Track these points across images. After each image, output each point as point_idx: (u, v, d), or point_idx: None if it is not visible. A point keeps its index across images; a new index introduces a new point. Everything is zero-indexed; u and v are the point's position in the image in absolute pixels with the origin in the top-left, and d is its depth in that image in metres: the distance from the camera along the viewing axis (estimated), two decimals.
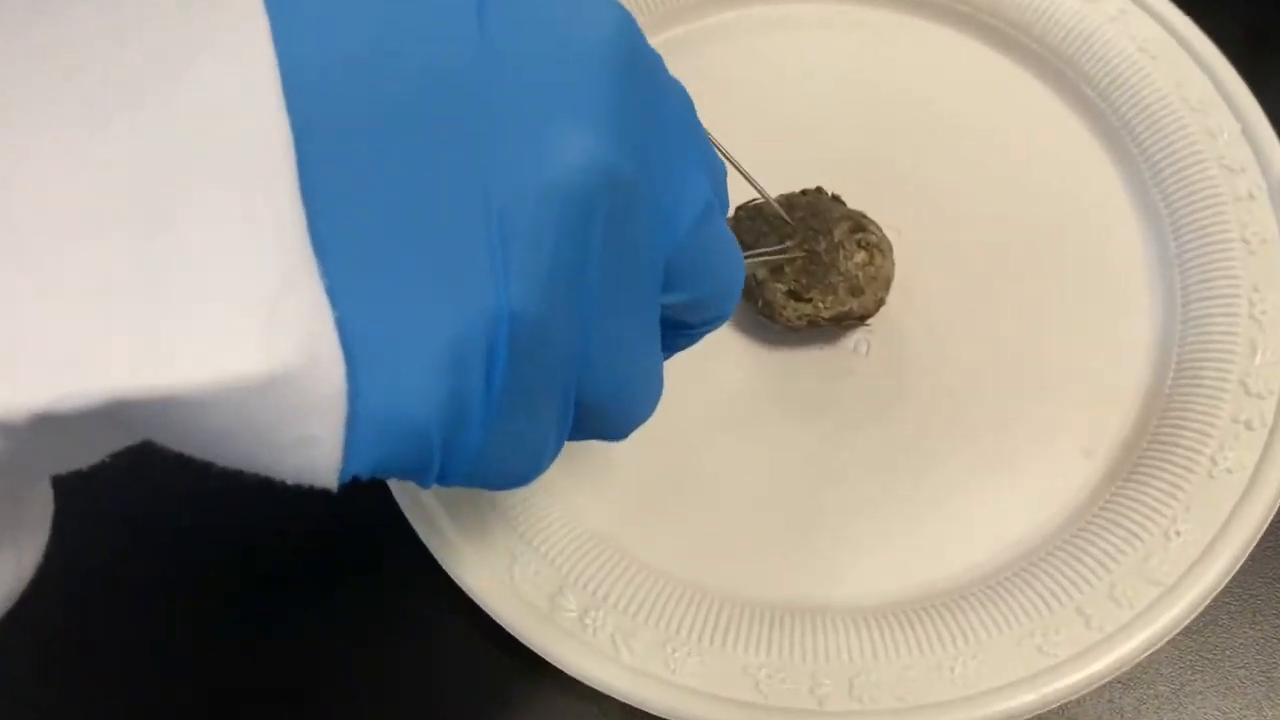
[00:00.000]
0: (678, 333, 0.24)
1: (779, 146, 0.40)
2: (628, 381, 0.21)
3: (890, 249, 0.37)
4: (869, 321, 0.38)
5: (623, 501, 0.35)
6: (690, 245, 0.21)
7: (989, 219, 0.40)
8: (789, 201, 0.38)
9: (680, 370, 0.26)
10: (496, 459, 0.18)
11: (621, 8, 0.20)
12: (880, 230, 0.37)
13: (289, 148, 0.15)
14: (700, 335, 0.24)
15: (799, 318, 0.37)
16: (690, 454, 0.36)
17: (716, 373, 0.37)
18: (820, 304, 0.37)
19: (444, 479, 0.18)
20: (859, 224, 0.37)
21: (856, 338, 0.38)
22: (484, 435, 0.18)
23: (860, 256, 0.37)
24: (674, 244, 0.21)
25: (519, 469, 0.20)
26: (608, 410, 0.21)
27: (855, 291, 0.37)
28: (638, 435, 0.22)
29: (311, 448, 0.15)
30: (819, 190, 0.38)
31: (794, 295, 0.37)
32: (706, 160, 0.22)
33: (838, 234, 0.37)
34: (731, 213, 0.38)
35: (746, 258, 0.34)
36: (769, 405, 0.37)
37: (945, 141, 0.41)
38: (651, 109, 0.20)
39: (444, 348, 0.16)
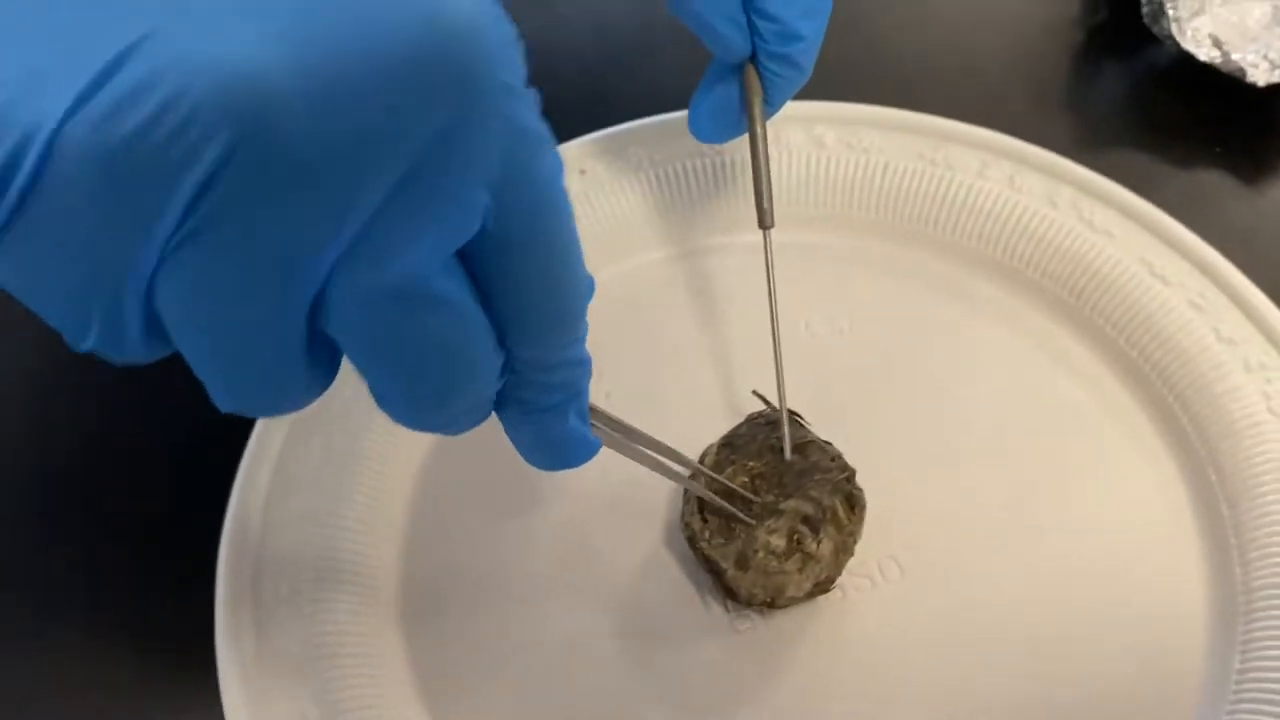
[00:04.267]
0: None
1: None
2: (201, 337, 0.18)
3: (815, 570, 0.32)
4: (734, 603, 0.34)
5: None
6: (347, 314, 0.18)
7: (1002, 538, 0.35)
8: (801, 442, 0.34)
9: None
10: (21, 267, 0.17)
11: None
12: (834, 542, 0.32)
13: None
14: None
15: (685, 528, 0.34)
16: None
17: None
18: (709, 540, 0.33)
19: None
20: (813, 521, 0.32)
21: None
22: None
23: (777, 545, 0.32)
24: (337, 289, 0.18)
25: (53, 302, 0.18)
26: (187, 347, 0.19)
27: (741, 564, 0.32)
28: None
29: None
30: (823, 447, 0.34)
31: (700, 510, 0.33)
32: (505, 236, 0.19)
33: (787, 505, 0.32)
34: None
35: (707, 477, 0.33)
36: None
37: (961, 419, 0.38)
38: (425, 111, 0.17)
39: None
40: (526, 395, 0.23)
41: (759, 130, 0.36)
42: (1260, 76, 0.44)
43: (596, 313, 0.38)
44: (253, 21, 0.16)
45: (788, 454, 0.34)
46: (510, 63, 0.18)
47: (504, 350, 0.21)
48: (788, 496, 0.33)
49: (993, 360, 0.40)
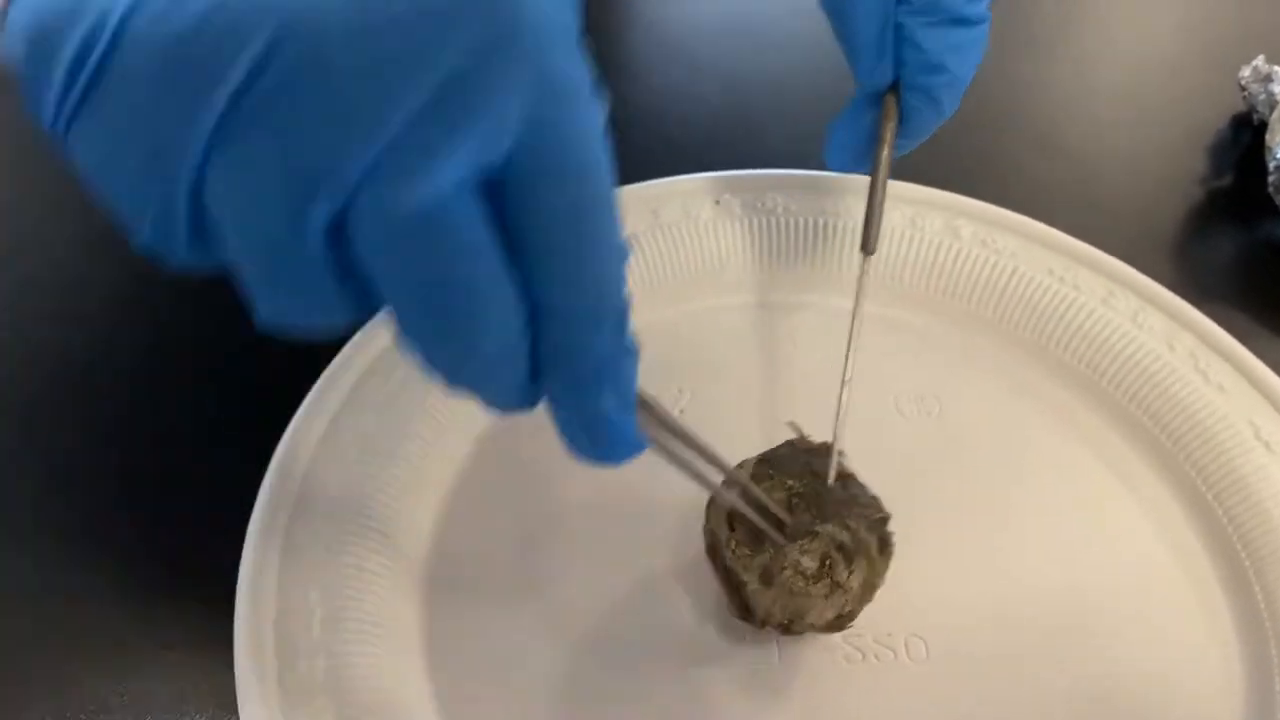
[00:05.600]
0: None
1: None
2: (243, 241, 0.19)
3: (840, 601, 0.31)
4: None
5: None
6: (367, 234, 0.18)
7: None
8: (845, 474, 0.34)
9: None
10: (92, 148, 0.19)
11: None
12: (863, 577, 0.31)
13: None
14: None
15: (707, 534, 0.33)
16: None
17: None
18: (734, 549, 0.32)
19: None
20: (848, 550, 0.31)
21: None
22: (69, 117, 0.18)
23: (808, 565, 0.31)
24: (357, 207, 0.18)
25: (117, 186, 0.19)
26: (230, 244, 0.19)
27: (766, 579, 0.31)
28: None
29: None
30: (862, 485, 0.34)
31: (730, 519, 0.32)
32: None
33: (824, 529, 0.31)
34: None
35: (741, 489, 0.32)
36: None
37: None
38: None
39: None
40: (558, 361, 0.22)
41: (885, 154, 0.36)
42: None
43: (680, 341, 0.41)
44: None
45: (832, 478, 0.33)
46: (547, 14, 0.18)
47: (527, 304, 0.21)
48: (825, 520, 0.32)
49: (1074, 482, 0.39)
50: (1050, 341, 0.42)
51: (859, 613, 0.33)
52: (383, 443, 0.37)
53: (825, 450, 0.34)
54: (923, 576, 0.35)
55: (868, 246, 0.36)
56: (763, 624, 0.32)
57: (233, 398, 0.40)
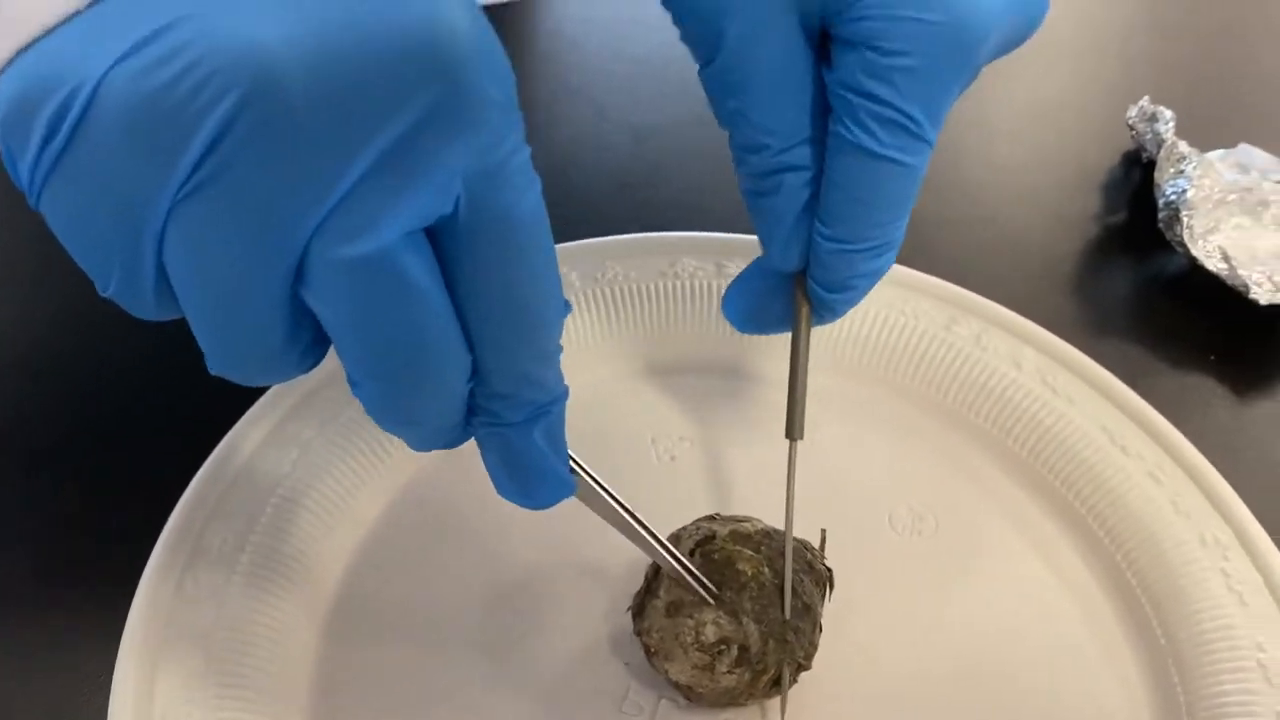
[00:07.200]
0: None
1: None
2: (201, 294, 0.20)
3: (703, 680, 0.31)
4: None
5: None
6: (322, 282, 0.20)
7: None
8: (811, 608, 0.32)
9: None
10: (63, 207, 0.20)
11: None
12: (735, 684, 0.31)
13: None
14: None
15: (629, 605, 0.33)
16: None
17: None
18: (669, 582, 0.31)
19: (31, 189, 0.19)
20: (747, 656, 0.31)
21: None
22: (43, 179, 0.19)
23: (706, 635, 0.30)
24: (314, 255, 0.19)
25: (86, 243, 0.20)
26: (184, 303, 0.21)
27: (670, 610, 0.31)
28: None
29: None
30: (818, 628, 0.32)
31: (648, 587, 0.32)
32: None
33: (748, 626, 0.31)
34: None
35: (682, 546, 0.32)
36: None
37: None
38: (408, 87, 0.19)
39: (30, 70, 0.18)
40: (494, 407, 0.24)
41: (802, 336, 0.34)
42: (1263, 295, 0.45)
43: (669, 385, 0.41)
44: (271, 10, 0.18)
45: (787, 613, 0.31)
46: (495, 78, 0.20)
47: (471, 353, 0.22)
48: (757, 621, 0.31)
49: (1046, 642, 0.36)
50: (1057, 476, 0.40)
51: (711, 705, 0.32)
52: (301, 480, 0.36)
53: (821, 577, 0.33)
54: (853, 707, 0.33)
55: (791, 433, 0.34)
56: (637, 634, 0.32)
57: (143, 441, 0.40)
